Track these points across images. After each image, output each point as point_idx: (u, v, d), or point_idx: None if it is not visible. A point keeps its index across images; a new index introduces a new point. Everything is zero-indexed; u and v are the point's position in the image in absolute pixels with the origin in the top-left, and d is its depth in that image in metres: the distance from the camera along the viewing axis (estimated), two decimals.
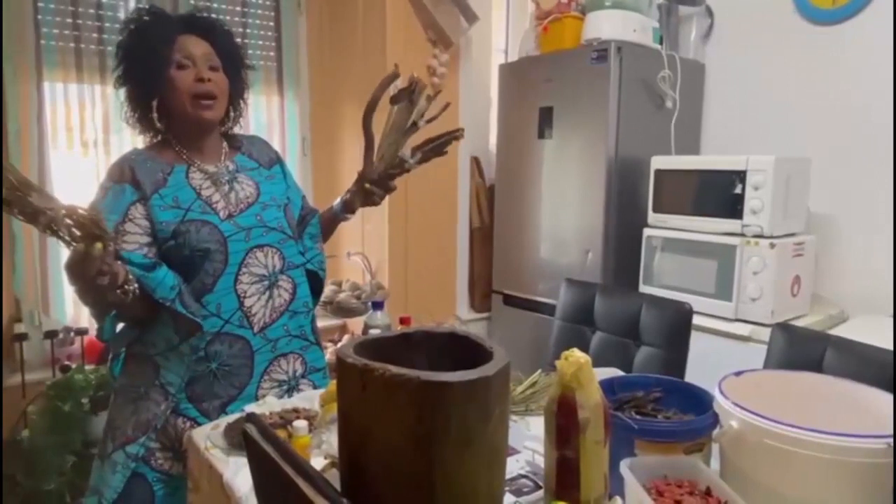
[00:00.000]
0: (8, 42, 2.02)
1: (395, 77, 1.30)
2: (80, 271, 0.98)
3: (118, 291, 1.07)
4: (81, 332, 2.17)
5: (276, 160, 1.49)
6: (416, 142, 1.40)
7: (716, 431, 0.97)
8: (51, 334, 2.10)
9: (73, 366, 2.06)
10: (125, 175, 1.25)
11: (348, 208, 1.48)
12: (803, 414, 0.89)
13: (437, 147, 1.41)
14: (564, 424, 0.80)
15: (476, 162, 2.84)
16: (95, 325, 1.20)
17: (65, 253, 0.98)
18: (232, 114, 1.42)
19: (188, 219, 1.24)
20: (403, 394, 0.66)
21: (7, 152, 2.02)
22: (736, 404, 0.93)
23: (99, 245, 0.96)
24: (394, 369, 0.66)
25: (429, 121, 1.37)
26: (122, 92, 1.30)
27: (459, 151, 2.75)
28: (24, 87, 2.07)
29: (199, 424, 1.25)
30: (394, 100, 1.32)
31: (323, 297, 2.42)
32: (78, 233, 0.94)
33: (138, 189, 1.24)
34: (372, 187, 1.41)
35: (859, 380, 1.04)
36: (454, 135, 1.42)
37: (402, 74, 1.36)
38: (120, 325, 1.25)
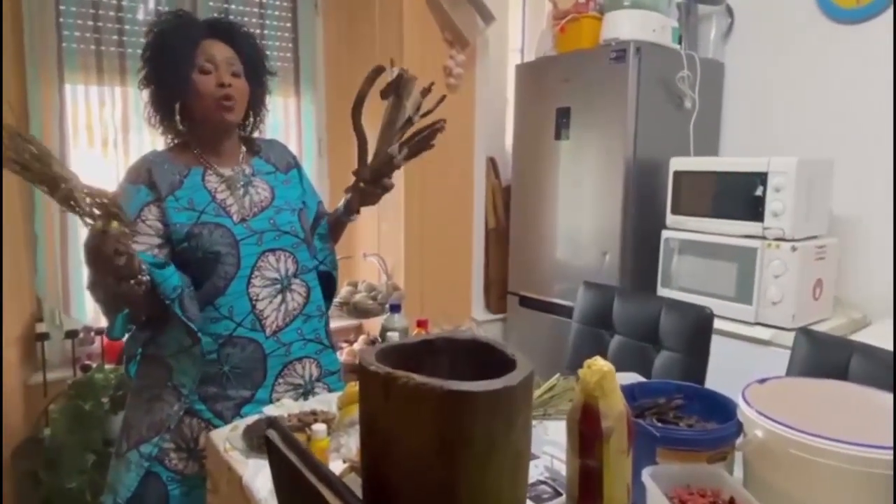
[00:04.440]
0: (30, 46, 2.04)
1: (380, 71, 1.25)
2: (98, 249, 1.00)
3: (132, 282, 1.08)
4: (101, 331, 2.19)
5: (294, 164, 1.49)
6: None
7: (739, 440, 0.96)
8: (72, 334, 2.12)
9: (94, 365, 2.08)
10: (141, 176, 1.27)
11: (350, 209, 1.47)
12: (829, 423, 0.88)
13: (422, 141, 1.34)
14: (587, 433, 0.79)
15: (492, 162, 2.84)
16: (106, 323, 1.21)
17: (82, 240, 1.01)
18: (252, 119, 1.43)
19: (202, 221, 1.26)
20: (427, 403, 0.65)
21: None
22: (760, 413, 0.92)
23: (116, 223, 0.98)
24: (418, 378, 0.66)
25: (424, 114, 1.31)
26: (146, 93, 1.31)
27: (476, 152, 2.74)
28: (47, 89, 2.09)
29: (214, 426, 1.26)
30: (383, 94, 1.28)
31: (339, 298, 2.43)
32: (97, 211, 0.97)
33: (153, 190, 1.26)
34: (368, 187, 1.38)
35: (885, 387, 1.02)
36: (436, 126, 1.34)
37: (419, 77, 1.33)
38: (132, 326, 1.26)
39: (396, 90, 1.27)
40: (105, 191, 0.99)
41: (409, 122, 1.30)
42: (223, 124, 1.31)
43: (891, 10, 2.13)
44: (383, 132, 1.33)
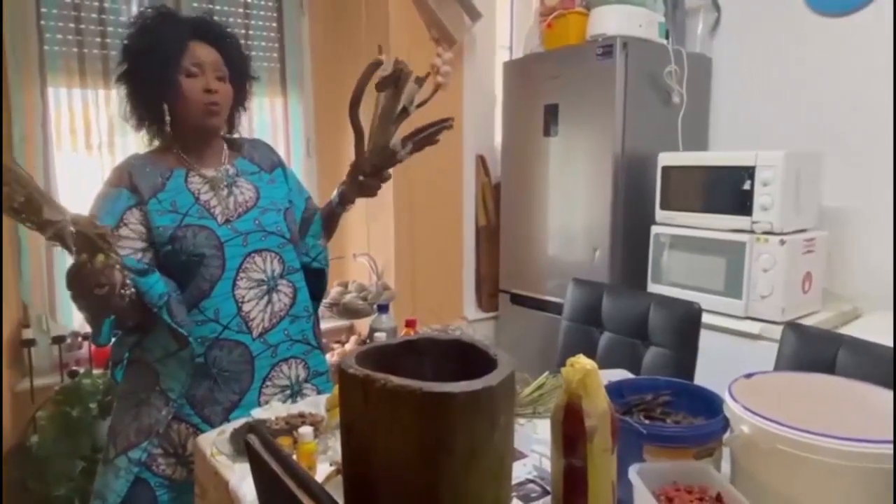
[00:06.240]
0: (12, 50, 2.01)
1: (378, 65, 1.23)
2: (80, 281, 0.99)
3: (115, 296, 1.06)
4: (89, 336, 2.17)
5: (278, 164, 1.48)
6: (405, 131, 1.33)
7: (726, 436, 0.95)
8: (59, 339, 2.10)
9: (82, 370, 2.06)
10: (123, 179, 1.26)
11: (345, 200, 1.45)
12: (815, 417, 0.87)
13: (428, 137, 1.34)
14: (571, 433, 0.79)
15: (482, 160, 2.83)
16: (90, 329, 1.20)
17: (70, 259, 1.00)
18: (234, 121, 1.41)
19: (185, 223, 1.24)
20: (406, 405, 0.64)
21: (11, 157, 2.02)
22: (746, 408, 0.91)
23: (101, 258, 0.97)
24: (396, 380, 0.65)
25: (419, 105, 1.30)
26: (124, 89, 1.29)
27: (465, 150, 2.73)
28: (29, 93, 2.06)
29: (202, 431, 1.25)
30: (379, 87, 1.26)
31: (329, 299, 2.42)
32: (83, 245, 0.96)
33: (135, 193, 1.24)
34: (367, 179, 1.37)
35: (872, 381, 1.02)
36: (444, 124, 1.34)
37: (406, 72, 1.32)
38: (118, 332, 1.24)
39: (396, 83, 1.25)
40: (94, 223, 0.98)
41: (405, 112, 1.29)
42: (208, 129, 1.30)
43: (876, 2, 2.13)
44: (379, 124, 1.31)
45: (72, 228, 0.94)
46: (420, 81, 1.28)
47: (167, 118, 1.28)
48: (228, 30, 1.36)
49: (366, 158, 1.34)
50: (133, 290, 1.12)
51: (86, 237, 0.95)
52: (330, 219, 1.51)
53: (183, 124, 1.29)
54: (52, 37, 2.10)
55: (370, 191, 1.40)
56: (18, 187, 0.89)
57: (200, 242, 1.24)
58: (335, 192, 1.47)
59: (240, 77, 1.36)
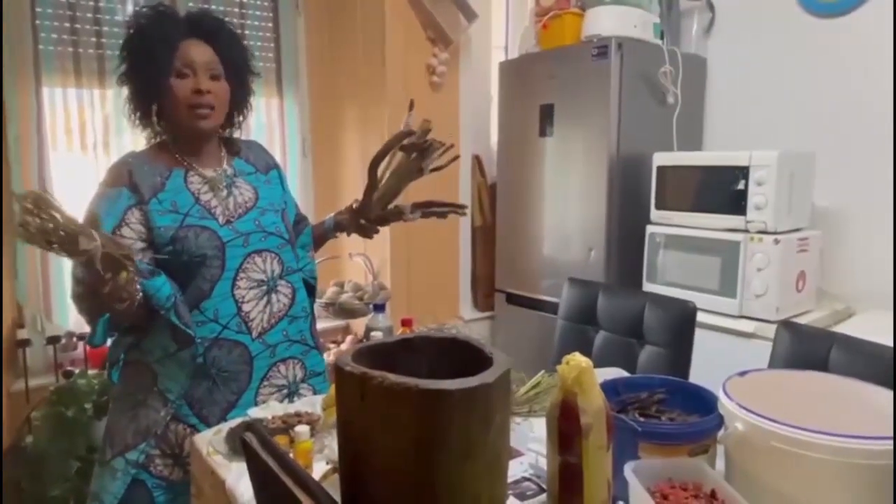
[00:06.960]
0: (7, 50, 2.00)
1: (411, 134, 1.32)
2: (104, 295, 1.03)
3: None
4: (84, 336, 2.17)
5: (274, 165, 1.48)
6: (419, 189, 1.45)
7: (721, 433, 0.96)
8: (54, 339, 2.09)
9: (77, 371, 2.05)
10: (122, 178, 1.25)
11: (340, 229, 1.53)
12: (809, 414, 0.88)
13: (438, 213, 1.48)
14: (566, 430, 0.79)
15: (477, 160, 2.83)
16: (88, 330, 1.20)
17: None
18: (234, 119, 1.39)
19: (187, 224, 1.24)
20: (403, 402, 0.65)
21: (8, 159, 2.02)
22: (740, 406, 0.92)
23: (124, 275, 1.01)
24: (392, 377, 0.65)
25: (434, 169, 1.39)
26: (125, 90, 1.29)
27: (461, 150, 2.74)
28: (23, 92, 2.06)
29: (199, 431, 1.24)
30: (405, 149, 1.35)
31: (325, 299, 2.42)
32: (108, 265, 0.99)
33: (135, 193, 1.23)
34: (368, 224, 1.47)
35: (866, 378, 1.03)
36: (458, 211, 1.48)
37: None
38: (113, 333, 1.24)
39: (422, 152, 1.35)
40: (118, 243, 1.01)
41: (420, 173, 1.39)
42: (198, 131, 1.28)
43: (869, 3, 2.14)
44: (391, 177, 1.41)
45: (102, 255, 0.96)
46: (441, 147, 1.38)
47: (157, 118, 1.28)
48: (227, 25, 1.34)
49: (372, 205, 1.44)
50: (141, 295, 1.12)
51: (112, 257, 0.97)
52: (320, 239, 1.56)
53: (176, 125, 1.29)
54: (47, 36, 2.10)
55: (368, 234, 1.50)
56: (48, 216, 0.90)
57: (202, 243, 1.23)
58: (331, 219, 1.53)
59: (238, 74, 1.34)
